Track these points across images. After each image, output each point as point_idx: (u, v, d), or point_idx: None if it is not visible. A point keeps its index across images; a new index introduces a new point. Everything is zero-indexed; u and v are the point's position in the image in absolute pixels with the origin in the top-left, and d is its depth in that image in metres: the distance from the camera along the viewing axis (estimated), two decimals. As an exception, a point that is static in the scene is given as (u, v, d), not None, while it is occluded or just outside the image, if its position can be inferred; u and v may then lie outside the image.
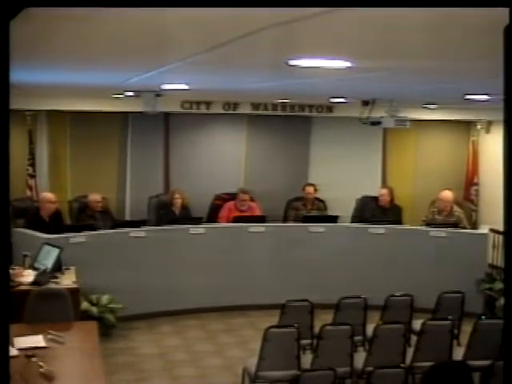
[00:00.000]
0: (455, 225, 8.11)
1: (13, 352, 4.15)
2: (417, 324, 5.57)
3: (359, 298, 5.72)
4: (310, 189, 8.99)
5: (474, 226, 9.56)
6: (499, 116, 8.16)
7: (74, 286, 5.81)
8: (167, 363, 6.27)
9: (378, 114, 7.43)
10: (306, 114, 9.77)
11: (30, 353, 4.28)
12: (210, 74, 4.49)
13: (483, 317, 5.51)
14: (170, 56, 3.17)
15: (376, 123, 7.38)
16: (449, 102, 8.02)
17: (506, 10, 1.28)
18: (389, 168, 10.67)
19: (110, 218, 8.27)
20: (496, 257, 8.79)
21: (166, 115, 9.67)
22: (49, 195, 7.79)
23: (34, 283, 5.67)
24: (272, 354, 4.82)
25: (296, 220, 8.57)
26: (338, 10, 1.57)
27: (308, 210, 8.87)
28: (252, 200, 8.90)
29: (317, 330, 5.10)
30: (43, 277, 5.76)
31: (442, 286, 6.37)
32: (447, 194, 8.31)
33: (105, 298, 6.68)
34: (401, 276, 7.68)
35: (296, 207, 8.95)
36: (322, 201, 9.24)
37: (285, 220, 9.17)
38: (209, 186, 9.60)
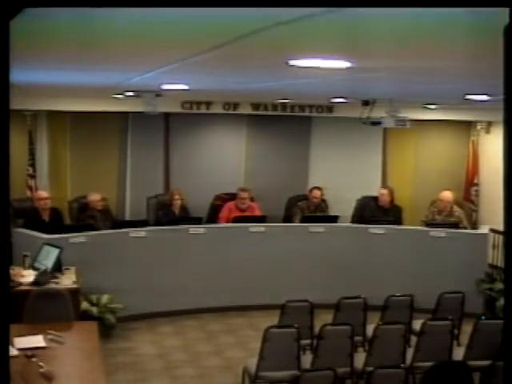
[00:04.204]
0: (455, 225, 8.11)
1: (13, 352, 4.16)
2: (417, 324, 5.57)
3: (359, 298, 5.72)
4: (318, 193, 8.96)
5: (474, 226, 9.56)
6: (499, 116, 8.14)
7: (74, 286, 5.81)
8: (167, 363, 6.27)
9: (378, 114, 7.43)
10: (306, 114, 9.77)
11: (29, 353, 4.28)
12: (209, 74, 4.49)
13: (483, 317, 5.51)
14: (170, 56, 3.17)
15: (376, 123, 7.38)
16: (449, 102, 8.02)
17: (505, 10, 1.28)
18: (389, 168, 10.67)
19: (109, 218, 8.27)
20: (496, 257, 8.80)
21: (166, 115, 9.68)
22: (41, 192, 7.90)
23: (34, 283, 5.67)
24: (272, 354, 4.82)
25: (301, 221, 8.54)
26: (337, 9, 1.57)
27: (311, 211, 8.87)
28: (252, 200, 8.90)
29: (317, 330, 5.10)
30: (43, 277, 5.76)
31: (441, 286, 6.37)
32: (447, 195, 8.31)
33: (105, 298, 6.68)
34: (401, 276, 7.68)
35: (301, 208, 8.93)
36: (323, 200, 9.26)
37: (286, 219, 9.17)
38: (209, 186, 9.61)
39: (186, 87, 5.88)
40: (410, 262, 7.84)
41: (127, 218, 9.57)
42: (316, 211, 8.90)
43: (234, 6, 1.53)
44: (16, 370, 3.95)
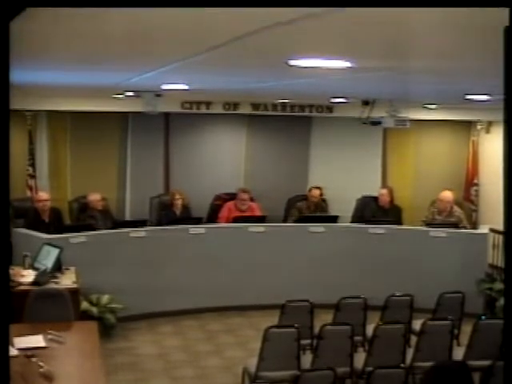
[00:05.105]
0: (455, 225, 8.11)
1: (13, 352, 4.15)
2: (417, 324, 5.56)
3: (359, 298, 5.72)
4: (317, 192, 9.02)
5: (474, 226, 9.56)
6: (499, 116, 8.16)
7: (74, 286, 5.81)
8: (167, 363, 6.27)
9: (378, 113, 7.43)
10: (306, 114, 9.77)
11: (29, 353, 4.28)
12: (210, 74, 4.49)
13: (483, 317, 5.51)
14: (170, 56, 3.17)
15: (376, 123, 7.38)
16: (449, 101, 8.02)
17: (506, 10, 1.28)
18: (389, 168, 10.67)
19: (110, 218, 8.27)
20: (496, 257, 8.80)
21: (166, 115, 9.68)
22: (41, 194, 7.92)
23: (33, 283, 5.67)
24: (272, 354, 4.82)
25: (298, 220, 8.55)
26: (338, 9, 1.57)
27: (311, 211, 8.88)
28: (252, 200, 8.91)
29: (317, 330, 5.10)
30: (43, 277, 5.76)
31: (441, 286, 6.37)
32: (447, 195, 8.31)
33: (105, 298, 6.68)
34: (401, 276, 7.68)
35: (299, 208, 8.94)
36: (323, 200, 9.26)
37: (285, 219, 9.17)
38: (209, 186, 9.61)
39: (185, 87, 5.88)
40: (410, 262, 7.84)
41: (127, 217, 9.57)
42: (316, 211, 8.91)
43: (234, 6, 1.54)
44: (16, 369, 3.95)
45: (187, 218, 8.43)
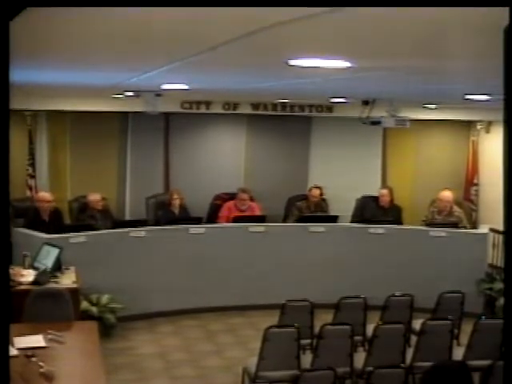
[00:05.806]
0: (455, 225, 8.11)
1: (13, 352, 4.16)
2: (417, 324, 5.57)
3: (359, 297, 5.73)
4: (317, 192, 9.02)
5: (474, 225, 9.56)
6: (499, 116, 8.16)
7: (74, 285, 5.81)
8: (167, 363, 6.27)
9: (378, 113, 7.43)
10: (306, 113, 9.77)
11: (29, 353, 4.28)
12: (209, 74, 4.49)
13: (483, 317, 5.51)
14: (169, 56, 3.17)
15: (376, 123, 7.37)
16: (449, 101, 8.02)
17: (506, 10, 1.28)
18: (389, 168, 10.67)
19: (109, 218, 8.27)
20: (496, 257, 8.80)
21: (166, 115, 9.67)
22: (45, 194, 7.90)
23: (33, 283, 5.67)
24: (272, 354, 4.82)
25: (298, 220, 8.55)
26: (338, 9, 1.57)
27: (311, 211, 8.88)
28: (252, 200, 8.90)
29: (317, 329, 5.10)
30: (43, 276, 5.77)
31: (441, 286, 6.37)
32: (447, 194, 8.31)
33: (105, 298, 6.68)
34: (401, 276, 7.68)
35: (299, 207, 8.94)
36: (323, 199, 9.26)
37: (286, 219, 9.17)
38: (208, 186, 9.61)
39: (185, 87, 5.88)
40: (410, 262, 7.84)
41: (127, 217, 9.57)
42: (316, 211, 8.91)
43: (234, 6, 1.54)
44: (16, 369, 3.95)
45: (186, 217, 8.42)
